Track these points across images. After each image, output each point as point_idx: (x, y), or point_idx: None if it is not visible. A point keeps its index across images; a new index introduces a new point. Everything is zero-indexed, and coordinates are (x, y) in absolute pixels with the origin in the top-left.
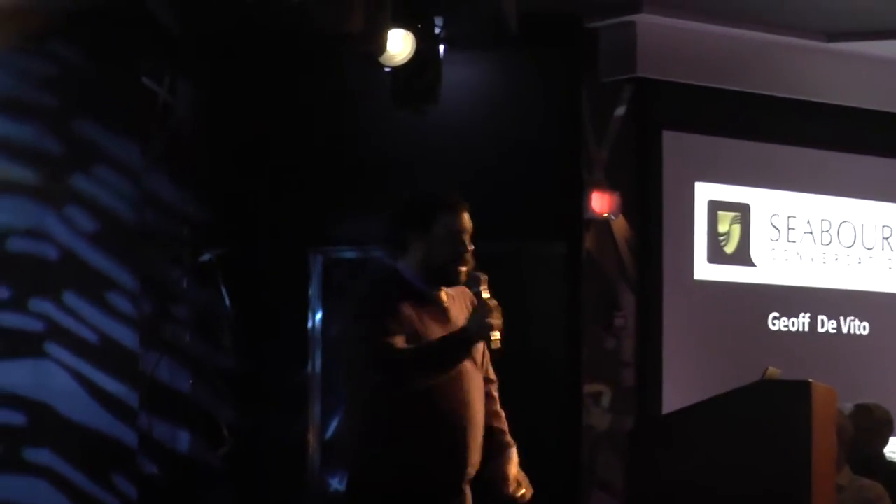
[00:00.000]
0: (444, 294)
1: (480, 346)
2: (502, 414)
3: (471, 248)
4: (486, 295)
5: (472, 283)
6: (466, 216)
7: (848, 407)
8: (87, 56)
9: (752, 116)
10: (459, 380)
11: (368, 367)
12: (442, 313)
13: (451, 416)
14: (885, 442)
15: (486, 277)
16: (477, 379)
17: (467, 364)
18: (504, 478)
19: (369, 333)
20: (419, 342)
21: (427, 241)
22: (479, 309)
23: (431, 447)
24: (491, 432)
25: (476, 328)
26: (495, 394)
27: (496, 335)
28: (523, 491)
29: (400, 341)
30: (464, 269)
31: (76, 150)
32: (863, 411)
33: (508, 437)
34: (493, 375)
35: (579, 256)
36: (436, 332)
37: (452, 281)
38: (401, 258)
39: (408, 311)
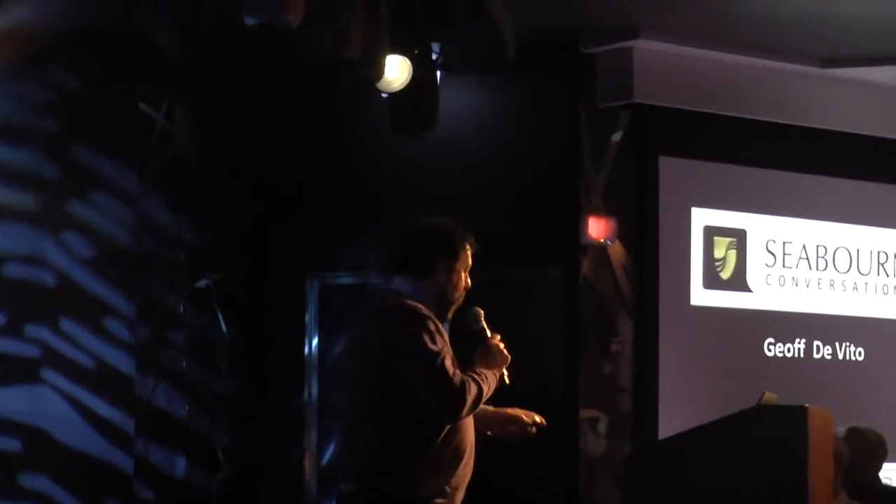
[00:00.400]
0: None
1: None
2: None
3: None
4: (486, 329)
5: (472, 320)
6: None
7: (840, 431)
8: (85, 82)
9: (749, 142)
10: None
11: (454, 400)
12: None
13: (468, 445)
14: (880, 465)
15: (482, 312)
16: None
17: None
18: (513, 415)
19: (431, 361)
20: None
21: (449, 271)
22: (492, 344)
23: (450, 470)
24: None
25: (499, 361)
26: None
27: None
28: (538, 418)
29: (452, 368)
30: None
31: (74, 175)
32: (856, 434)
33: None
34: None
35: (576, 282)
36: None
37: (447, 313)
38: (412, 281)
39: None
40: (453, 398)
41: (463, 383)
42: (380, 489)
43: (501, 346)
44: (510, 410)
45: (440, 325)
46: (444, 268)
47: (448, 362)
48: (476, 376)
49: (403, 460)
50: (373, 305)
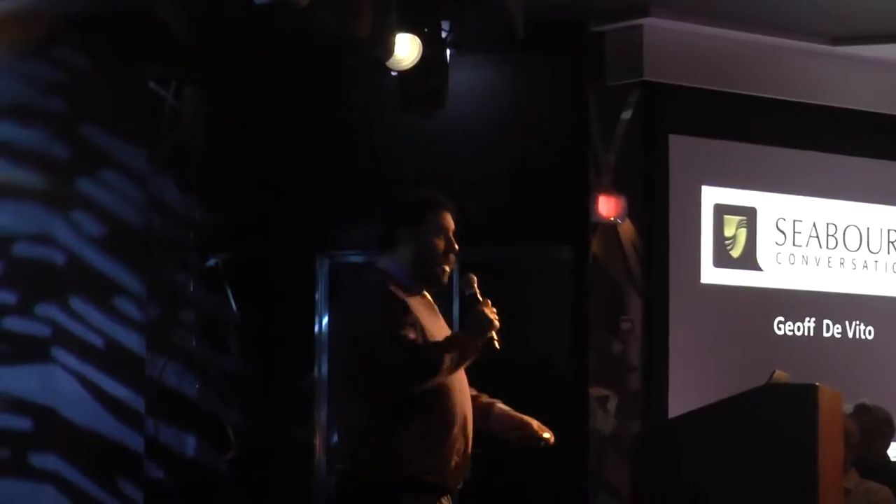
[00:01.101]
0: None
1: None
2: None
3: (456, 247)
4: (478, 294)
5: (465, 286)
6: (450, 216)
7: (848, 408)
8: (94, 61)
9: (758, 120)
10: (459, 383)
11: (409, 371)
12: (432, 310)
13: (458, 411)
14: (888, 442)
15: (475, 278)
16: (467, 386)
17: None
18: (522, 421)
19: (390, 330)
20: (425, 336)
21: (416, 238)
22: (478, 309)
23: (442, 442)
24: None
25: (482, 327)
26: None
27: (495, 334)
28: (548, 434)
29: (414, 335)
30: (448, 269)
31: (83, 155)
32: (864, 412)
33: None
34: None
35: (586, 260)
36: (431, 325)
37: (436, 280)
38: (386, 256)
39: (414, 310)
40: (410, 367)
41: (421, 351)
42: (367, 467)
43: (489, 311)
44: (524, 417)
45: (411, 295)
46: (409, 238)
47: (405, 331)
48: (442, 344)
49: (386, 437)
50: (351, 285)
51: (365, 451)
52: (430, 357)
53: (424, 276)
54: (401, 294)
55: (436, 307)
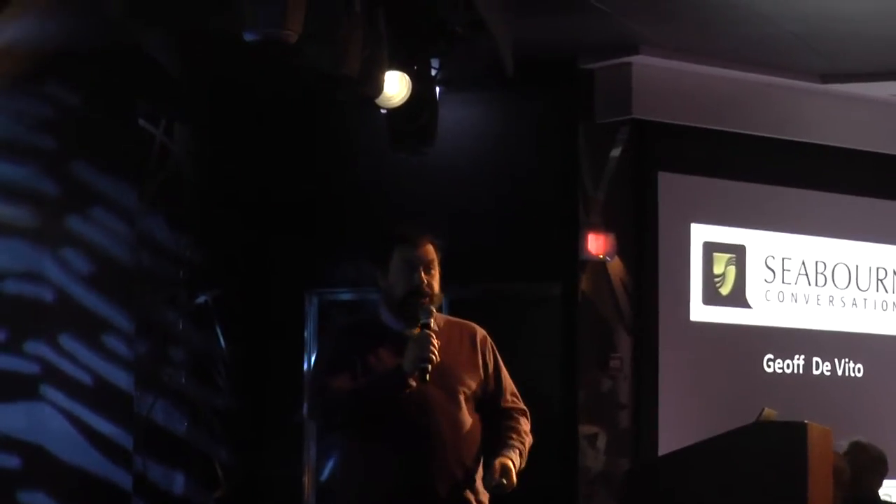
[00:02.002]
0: (436, 325)
1: (457, 373)
2: (520, 425)
3: (426, 279)
4: (431, 325)
5: (423, 315)
6: (425, 248)
7: (842, 445)
8: (84, 98)
9: (748, 158)
10: (423, 409)
11: (312, 406)
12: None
13: (410, 444)
14: (881, 481)
15: (433, 310)
16: (448, 408)
17: (434, 393)
18: (491, 466)
19: (316, 373)
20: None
21: (385, 276)
22: (418, 340)
23: (389, 477)
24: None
25: (408, 362)
26: (518, 418)
27: (429, 367)
28: (504, 481)
29: (341, 380)
30: (423, 300)
31: (72, 191)
32: (858, 449)
33: (513, 435)
34: (513, 405)
35: (575, 298)
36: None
37: (411, 314)
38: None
39: (368, 351)
40: (311, 404)
41: (321, 389)
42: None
43: (427, 344)
44: (499, 460)
45: (391, 333)
46: (380, 275)
47: (319, 371)
48: (353, 384)
49: (342, 471)
50: None
51: (335, 483)
52: (332, 394)
53: (400, 312)
54: (358, 338)
55: (449, 339)
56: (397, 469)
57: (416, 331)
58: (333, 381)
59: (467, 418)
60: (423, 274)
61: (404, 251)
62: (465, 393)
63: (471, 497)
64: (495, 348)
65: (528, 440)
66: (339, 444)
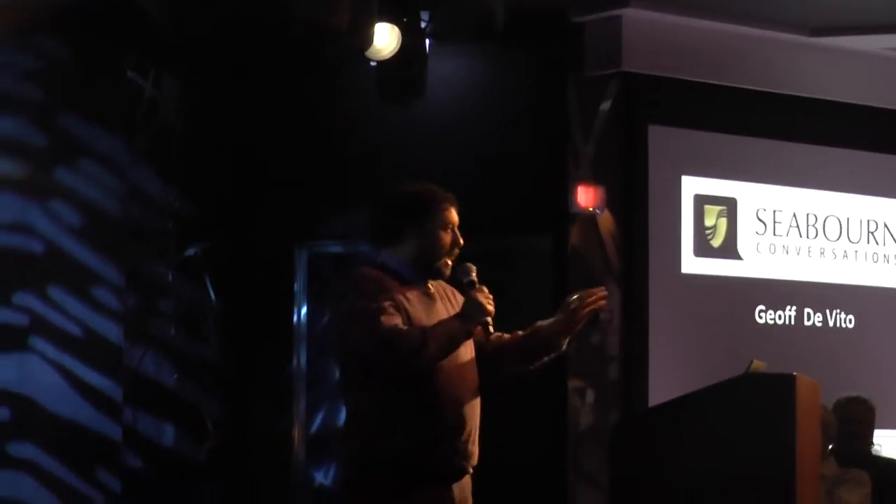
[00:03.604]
0: (430, 285)
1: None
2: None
3: (461, 242)
4: (477, 281)
5: (463, 273)
6: (455, 210)
7: (833, 400)
8: (72, 50)
9: (738, 111)
10: (455, 363)
11: (372, 349)
12: (431, 301)
13: (450, 396)
14: (870, 433)
15: (474, 267)
16: (471, 365)
17: (462, 351)
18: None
19: (368, 316)
20: (412, 325)
21: (421, 234)
22: (474, 295)
23: (432, 428)
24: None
25: (475, 313)
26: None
27: (490, 321)
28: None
29: (398, 322)
30: (450, 262)
31: (61, 144)
32: (846, 403)
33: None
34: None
35: (565, 251)
36: (423, 316)
37: (439, 274)
38: (386, 249)
39: (399, 296)
40: (382, 349)
41: (389, 333)
42: (355, 454)
43: (484, 298)
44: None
45: (407, 287)
46: (413, 233)
47: (379, 314)
48: (425, 329)
49: (370, 423)
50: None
51: (356, 439)
52: (406, 339)
53: (427, 270)
54: (387, 282)
55: (444, 297)
56: (442, 420)
57: (429, 285)
58: (396, 322)
59: (476, 370)
60: (459, 237)
61: (444, 212)
62: (471, 346)
63: (477, 450)
64: None
65: None
66: (368, 395)
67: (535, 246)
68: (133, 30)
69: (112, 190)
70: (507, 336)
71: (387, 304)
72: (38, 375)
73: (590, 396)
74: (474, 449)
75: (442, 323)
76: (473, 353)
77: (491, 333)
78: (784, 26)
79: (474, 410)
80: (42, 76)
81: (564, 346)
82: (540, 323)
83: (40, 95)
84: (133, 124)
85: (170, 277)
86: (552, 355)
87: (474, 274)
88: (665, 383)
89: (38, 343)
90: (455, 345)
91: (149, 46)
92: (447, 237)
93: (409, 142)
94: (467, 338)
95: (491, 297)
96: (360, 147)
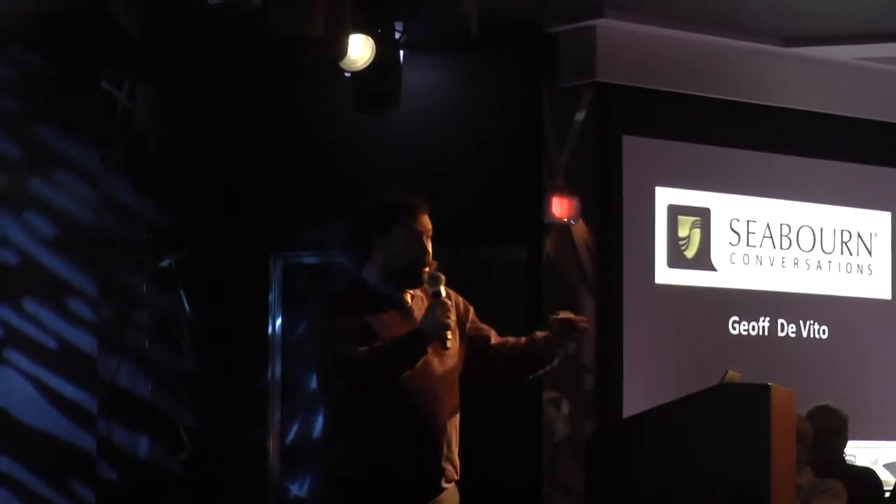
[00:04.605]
0: (409, 296)
1: (456, 340)
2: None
3: (430, 249)
4: (443, 293)
5: (432, 283)
6: (426, 218)
7: (806, 409)
8: (47, 60)
9: (712, 121)
10: (426, 377)
11: (328, 372)
12: (406, 316)
13: (419, 411)
14: (844, 443)
15: (444, 277)
16: (446, 378)
17: (434, 361)
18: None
19: (327, 339)
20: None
21: (388, 244)
22: (434, 307)
23: (400, 443)
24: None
25: (430, 327)
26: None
27: (448, 334)
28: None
29: (356, 345)
30: (426, 269)
31: (35, 154)
32: (820, 412)
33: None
34: (485, 327)
35: (539, 261)
36: (400, 330)
37: (415, 282)
38: (365, 264)
39: (370, 316)
40: (329, 368)
41: (338, 355)
42: (332, 466)
43: (441, 314)
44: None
45: (382, 301)
46: (380, 243)
47: (333, 337)
48: (377, 347)
49: (346, 435)
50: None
51: (333, 450)
52: (360, 362)
53: (401, 280)
54: (362, 302)
55: (414, 313)
56: (412, 432)
57: (407, 297)
58: (350, 346)
59: (456, 382)
60: (427, 243)
61: (411, 220)
62: (452, 357)
63: (454, 464)
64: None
65: None
66: (341, 409)
67: (509, 256)
68: (107, 40)
69: (86, 200)
70: (511, 341)
71: (348, 327)
72: (12, 387)
73: (565, 407)
74: (448, 465)
75: (397, 339)
76: (453, 365)
77: (446, 347)
78: (758, 37)
79: (449, 425)
80: (16, 87)
81: (556, 361)
82: (538, 333)
83: (14, 106)
84: (107, 135)
85: (144, 288)
86: (546, 367)
87: (442, 285)
88: (640, 394)
89: (13, 355)
90: (412, 359)
91: (123, 57)
92: (417, 245)
93: (384, 152)
94: (422, 352)
95: (451, 311)
96: (335, 157)
